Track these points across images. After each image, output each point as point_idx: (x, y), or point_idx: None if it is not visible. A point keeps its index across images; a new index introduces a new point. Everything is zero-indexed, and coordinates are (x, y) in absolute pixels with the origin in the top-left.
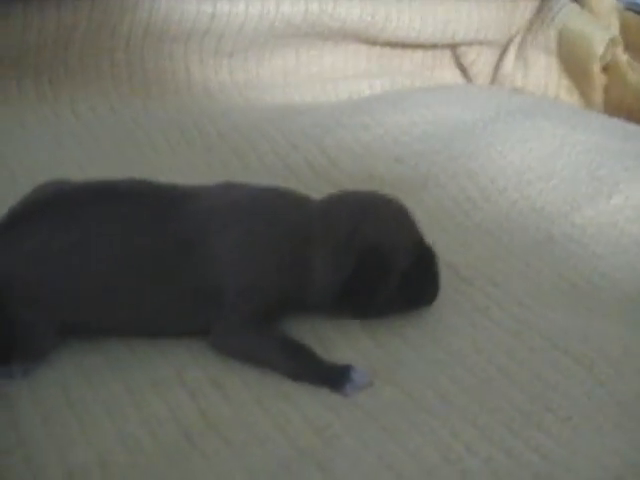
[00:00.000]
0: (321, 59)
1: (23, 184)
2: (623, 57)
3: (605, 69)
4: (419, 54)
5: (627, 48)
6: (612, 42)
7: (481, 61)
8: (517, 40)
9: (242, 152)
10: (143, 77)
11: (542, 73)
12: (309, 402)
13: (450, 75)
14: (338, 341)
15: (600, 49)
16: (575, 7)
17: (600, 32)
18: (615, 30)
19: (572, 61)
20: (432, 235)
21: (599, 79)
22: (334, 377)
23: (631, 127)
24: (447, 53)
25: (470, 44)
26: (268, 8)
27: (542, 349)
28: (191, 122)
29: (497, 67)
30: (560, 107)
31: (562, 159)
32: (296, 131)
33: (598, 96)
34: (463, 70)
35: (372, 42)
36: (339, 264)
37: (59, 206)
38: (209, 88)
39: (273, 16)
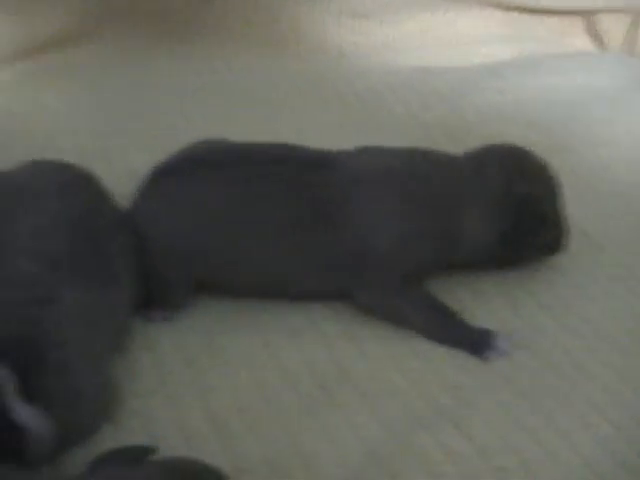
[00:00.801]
0: (455, 23)
1: (159, 135)
2: None
3: None
4: (552, 20)
5: None
6: None
7: (614, 29)
8: None
9: (376, 113)
10: (278, 37)
11: None
12: (443, 361)
13: (581, 43)
14: (475, 306)
15: None
16: None
17: None
18: None
19: None
20: (566, 201)
21: None
22: (476, 341)
23: None
24: (579, 20)
25: (604, 12)
26: None
27: None
28: (326, 82)
29: (631, 36)
30: None
31: None
32: (430, 93)
33: None
34: (596, 38)
35: (505, 6)
36: (496, 217)
37: (208, 164)
38: (344, 49)
39: None
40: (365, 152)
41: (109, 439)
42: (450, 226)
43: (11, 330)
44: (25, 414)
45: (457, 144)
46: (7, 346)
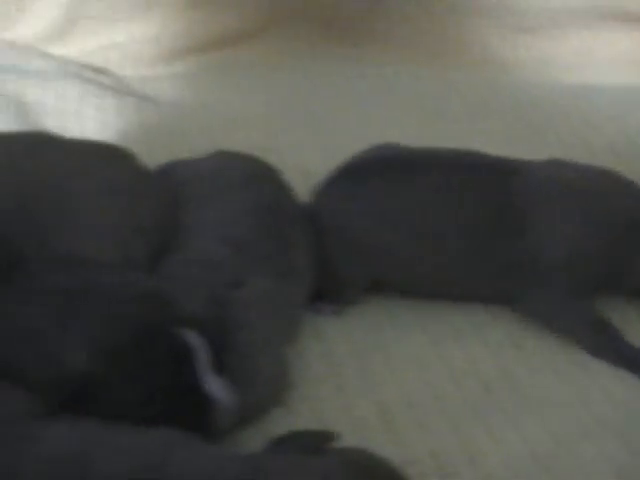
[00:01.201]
0: (618, 42)
1: (328, 135)
2: None
3: None
4: None
5: None
6: None
7: None
8: None
9: (540, 128)
10: (443, 47)
11: None
12: (609, 376)
13: None
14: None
15: None
16: None
17: None
18: None
19: None
20: None
21: None
22: (638, 361)
23: None
24: None
25: None
26: None
27: None
28: (488, 95)
29: None
30: None
31: None
32: (595, 112)
33: None
34: None
35: None
36: None
37: (396, 167)
38: (505, 63)
39: None
40: (555, 165)
41: (279, 421)
42: (622, 250)
43: (203, 308)
44: (215, 386)
45: (624, 166)
46: (199, 323)
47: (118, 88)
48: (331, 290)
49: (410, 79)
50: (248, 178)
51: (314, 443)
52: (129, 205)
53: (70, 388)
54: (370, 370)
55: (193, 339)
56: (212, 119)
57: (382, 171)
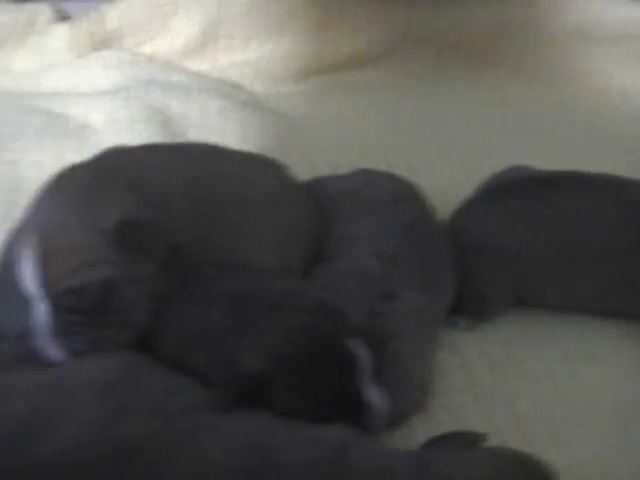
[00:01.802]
0: None
1: (457, 156)
2: None
3: None
4: None
5: None
6: None
7: None
8: None
9: None
10: (563, 74)
11: None
12: None
13: None
14: None
15: None
16: None
17: None
18: None
19: None
20: None
21: None
22: None
23: None
24: None
25: None
26: None
27: None
28: (610, 123)
29: None
30: None
31: None
32: None
33: None
34: None
35: None
36: None
37: (535, 187)
38: (626, 92)
39: None
40: None
41: (420, 427)
42: None
43: (360, 319)
44: (373, 393)
45: None
46: (364, 333)
47: (254, 104)
48: (472, 306)
49: (534, 105)
50: (395, 196)
51: (469, 442)
52: (289, 215)
53: (243, 388)
54: (505, 383)
55: (359, 349)
56: (345, 137)
57: (524, 190)
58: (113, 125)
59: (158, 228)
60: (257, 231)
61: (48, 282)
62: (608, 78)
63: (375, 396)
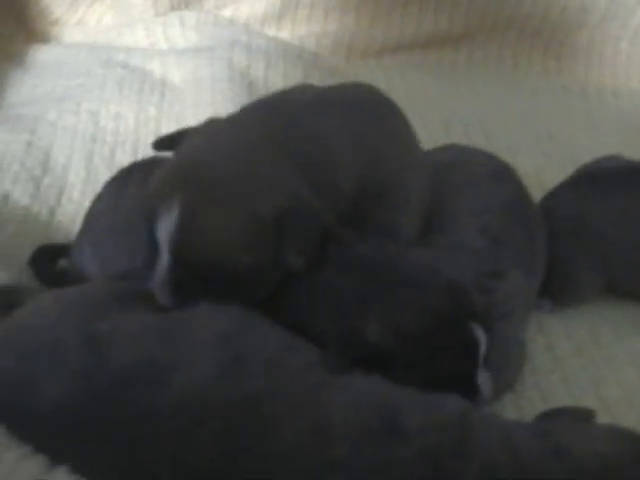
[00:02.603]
0: None
1: (539, 141)
2: None
3: None
4: None
5: None
6: None
7: None
8: None
9: None
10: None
11: None
12: None
13: None
14: None
15: None
16: None
17: None
18: None
19: None
20: None
21: None
22: None
23: None
24: None
25: None
26: None
27: None
28: None
29: None
30: None
31: None
32: None
33: None
34: None
35: None
36: None
37: (632, 174)
38: None
39: None
40: None
41: (510, 405)
42: None
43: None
44: (484, 378)
45: None
46: (486, 318)
47: (334, 74)
48: (560, 290)
49: (609, 97)
50: (495, 173)
51: (583, 416)
52: (426, 182)
53: (363, 354)
54: (591, 367)
55: (480, 334)
56: (426, 112)
57: (624, 178)
58: (195, 83)
59: (316, 220)
60: (411, 200)
61: (184, 248)
62: None
63: (485, 383)
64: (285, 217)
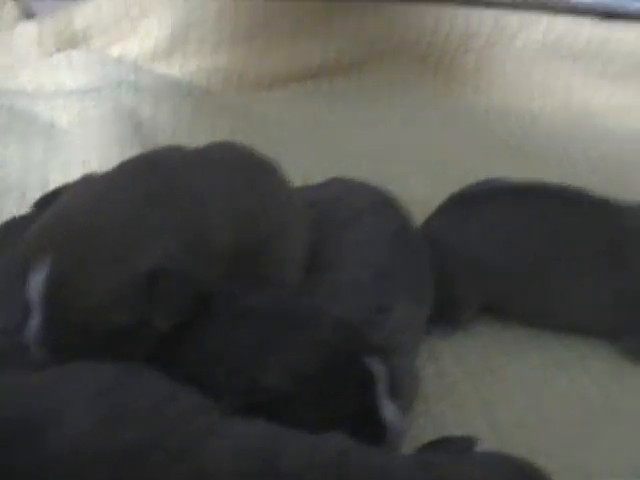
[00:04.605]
0: None
1: (432, 165)
2: None
3: None
4: None
5: None
6: None
7: None
8: None
9: (625, 179)
10: (529, 90)
11: None
12: None
13: None
14: None
15: None
16: None
17: None
18: None
19: None
20: None
21: None
22: None
23: None
24: None
25: None
26: None
27: None
28: (573, 140)
29: None
30: None
31: None
32: None
33: None
34: None
35: None
36: None
37: (508, 195)
38: (589, 108)
39: None
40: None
41: None
42: None
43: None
44: (390, 410)
45: None
46: (382, 350)
47: (225, 109)
48: (446, 312)
49: (497, 115)
50: (377, 204)
51: (466, 445)
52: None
53: (257, 402)
54: (482, 390)
55: (376, 366)
56: (316, 144)
57: (496, 198)
58: (82, 125)
59: (187, 283)
60: (290, 251)
61: (54, 307)
62: (571, 94)
63: (393, 413)
64: (155, 280)
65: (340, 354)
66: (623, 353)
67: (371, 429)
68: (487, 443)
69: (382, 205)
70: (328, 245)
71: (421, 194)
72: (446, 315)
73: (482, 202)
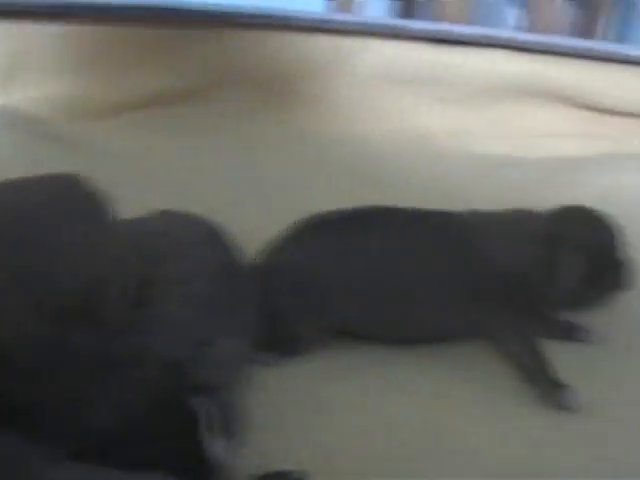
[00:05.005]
0: (527, 116)
1: (271, 196)
2: None
3: None
4: (618, 120)
5: None
6: None
7: None
8: None
9: (454, 197)
10: (365, 114)
11: None
12: (527, 423)
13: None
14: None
15: None
16: None
17: None
18: None
19: None
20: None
21: None
22: (558, 386)
23: None
24: None
25: None
26: (488, 64)
27: None
28: (407, 162)
29: None
30: None
31: None
32: (505, 183)
33: None
34: None
35: (576, 104)
36: (578, 261)
37: (345, 222)
38: (422, 131)
39: (492, 72)
40: (477, 214)
41: None
42: (548, 264)
43: (174, 364)
44: (215, 448)
45: None
46: (210, 388)
47: (54, 139)
48: (284, 344)
49: (330, 142)
50: (203, 238)
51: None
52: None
53: (85, 443)
54: (309, 416)
55: (201, 405)
56: (151, 175)
57: (334, 226)
58: None
59: None
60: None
61: None
62: (405, 118)
63: (218, 449)
64: None
65: (165, 394)
66: (449, 371)
67: (198, 468)
68: (316, 472)
69: (208, 238)
70: (153, 279)
71: (256, 225)
72: (285, 346)
73: (321, 230)
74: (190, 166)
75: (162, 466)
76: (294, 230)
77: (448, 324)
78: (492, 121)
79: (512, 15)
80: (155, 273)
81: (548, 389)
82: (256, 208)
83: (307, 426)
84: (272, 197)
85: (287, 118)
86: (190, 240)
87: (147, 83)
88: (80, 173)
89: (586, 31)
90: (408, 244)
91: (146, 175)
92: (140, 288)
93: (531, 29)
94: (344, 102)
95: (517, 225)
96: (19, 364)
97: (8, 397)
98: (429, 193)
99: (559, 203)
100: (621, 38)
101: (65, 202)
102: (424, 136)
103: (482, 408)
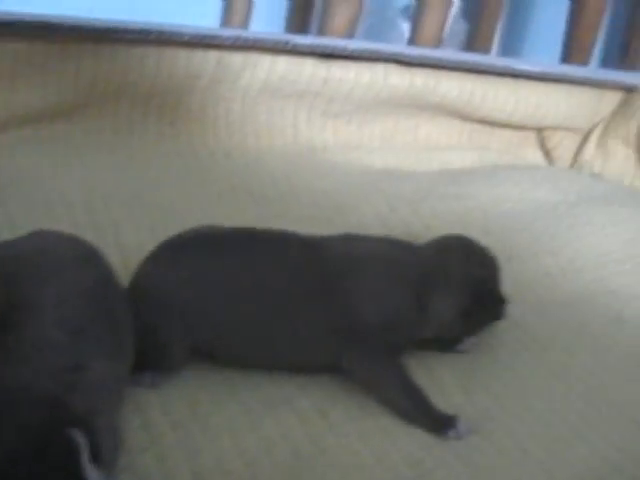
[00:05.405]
0: (417, 129)
1: (146, 212)
2: None
3: None
4: (507, 133)
5: None
6: None
7: (563, 145)
8: (599, 129)
9: (344, 210)
10: (255, 129)
11: (620, 163)
12: (405, 438)
13: (532, 155)
14: (432, 393)
15: None
16: None
17: None
18: None
19: None
20: (513, 304)
21: None
22: (440, 424)
23: None
24: (532, 135)
25: (555, 129)
26: (376, 78)
27: (610, 416)
28: (298, 176)
29: (578, 152)
30: (637, 196)
31: (638, 246)
32: (395, 195)
33: None
34: (545, 152)
35: (465, 118)
36: (455, 299)
37: (210, 244)
38: (314, 146)
39: (380, 86)
40: (347, 237)
41: None
42: (422, 305)
43: (48, 394)
44: (95, 477)
45: None
46: (84, 420)
47: None
48: (155, 361)
49: (222, 158)
50: (76, 259)
51: None
52: None
53: None
54: (188, 439)
55: (79, 437)
56: (29, 193)
57: (202, 244)
58: None
59: None
60: None
61: None
62: (297, 133)
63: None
64: None
65: (42, 431)
66: (328, 389)
67: None
68: None
69: (82, 259)
70: (24, 303)
71: (135, 243)
72: (155, 363)
73: (189, 249)
74: (67, 184)
75: None
76: (163, 249)
77: (306, 358)
78: (382, 135)
79: (407, 29)
80: (27, 295)
81: (433, 427)
82: (142, 225)
83: (187, 448)
84: (159, 214)
85: (178, 133)
86: (63, 260)
87: (24, 100)
88: None
89: (477, 45)
90: (265, 271)
91: (23, 194)
92: (6, 312)
93: (420, 43)
94: (236, 117)
95: (389, 263)
96: None
97: None
98: (320, 208)
99: (447, 215)
100: (512, 52)
101: None
102: (316, 150)
103: (362, 424)
